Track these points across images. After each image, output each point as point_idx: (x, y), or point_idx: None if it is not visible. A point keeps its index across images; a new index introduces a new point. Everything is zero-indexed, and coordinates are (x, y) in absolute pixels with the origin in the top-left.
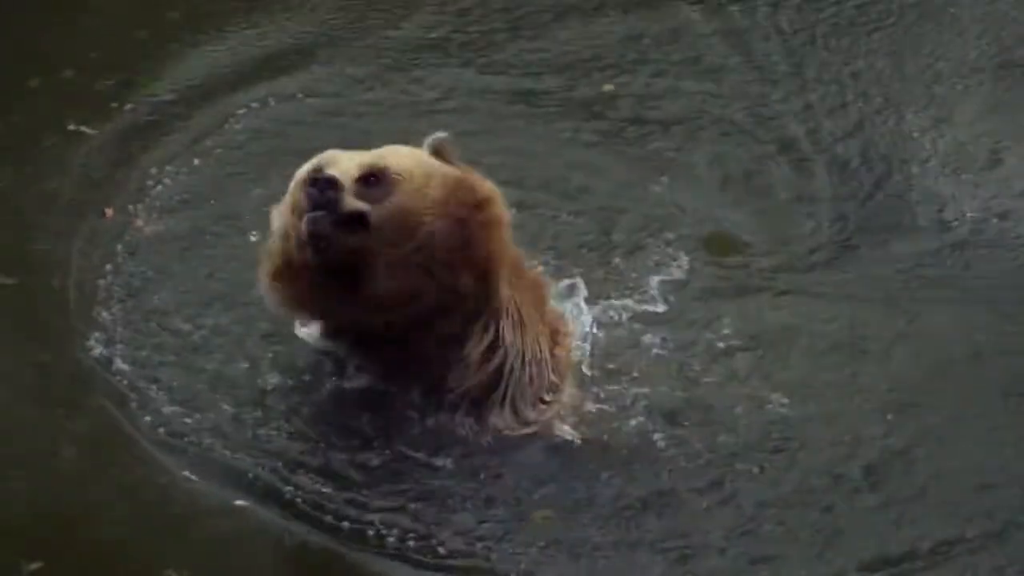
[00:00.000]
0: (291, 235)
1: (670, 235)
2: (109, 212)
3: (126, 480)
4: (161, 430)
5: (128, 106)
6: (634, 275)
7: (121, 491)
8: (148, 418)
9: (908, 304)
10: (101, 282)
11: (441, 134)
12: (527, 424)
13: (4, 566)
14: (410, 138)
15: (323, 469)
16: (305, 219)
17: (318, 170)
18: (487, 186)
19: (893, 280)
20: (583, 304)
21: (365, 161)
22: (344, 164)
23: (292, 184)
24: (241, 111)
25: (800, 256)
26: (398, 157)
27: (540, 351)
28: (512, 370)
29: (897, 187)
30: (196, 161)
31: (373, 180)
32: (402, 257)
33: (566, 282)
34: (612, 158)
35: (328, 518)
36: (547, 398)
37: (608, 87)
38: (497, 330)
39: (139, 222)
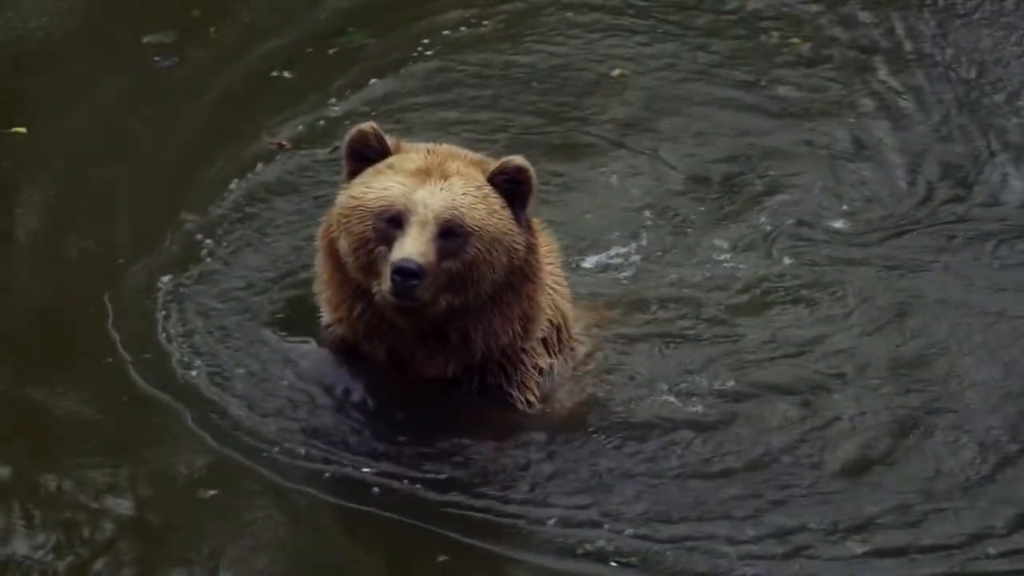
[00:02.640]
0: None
1: None
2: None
3: None
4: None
5: None
6: None
7: None
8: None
9: None
10: None
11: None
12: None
13: None
14: None
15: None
16: (388, 301)
17: (405, 259)
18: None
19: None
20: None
21: (443, 216)
22: (422, 212)
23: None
24: None
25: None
26: (473, 211)
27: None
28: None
29: None
30: None
31: (450, 234)
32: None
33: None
34: None
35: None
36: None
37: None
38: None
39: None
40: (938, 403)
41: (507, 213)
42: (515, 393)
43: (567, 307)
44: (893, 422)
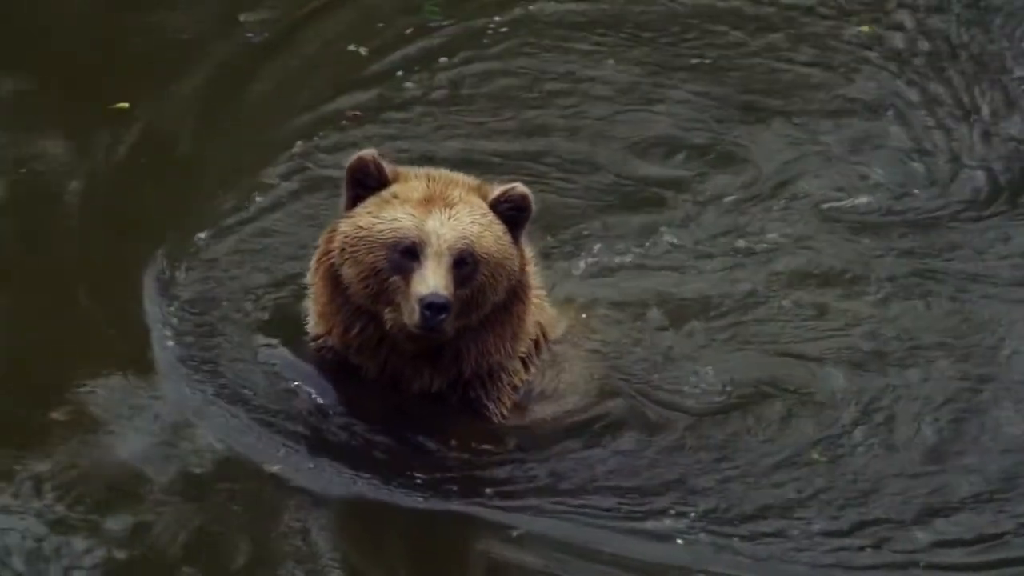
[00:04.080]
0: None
1: None
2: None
3: None
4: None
5: None
6: None
7: None
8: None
9: None
10: None
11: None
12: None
13: None
14: None
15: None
16: (411, 332)
17: (435, 294)
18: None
19: None
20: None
21: (457, 247)
22: (436, 244)
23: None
24: None
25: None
26: (482, 240)
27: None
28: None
29: None
30: None
31: (463, 264)
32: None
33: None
34: None
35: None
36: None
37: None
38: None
39: None
40: (990, 378)
41: (508, 238)
42: (491, 407)
43: (545, 319)
44: (950, 401)
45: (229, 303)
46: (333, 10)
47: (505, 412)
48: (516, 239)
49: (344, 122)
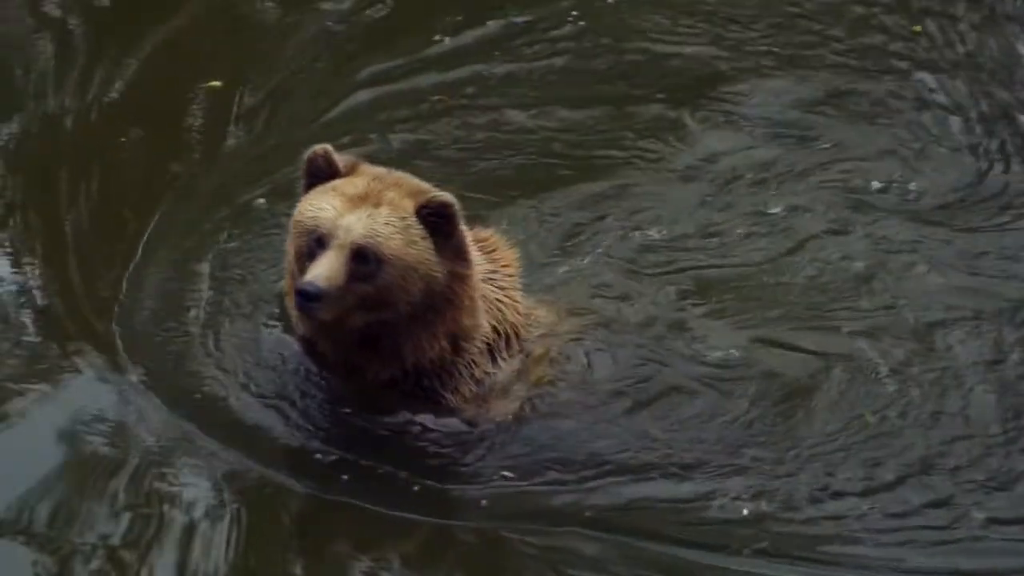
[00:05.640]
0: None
1: None
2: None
3: None
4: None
5: None
6: None
7: None
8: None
9: None
10: None
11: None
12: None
13: None
14: None
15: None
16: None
17: (308, 282)
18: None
19: None
20: None
21: (359, 242)
22: (343, 237)
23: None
24: None
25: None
26: (390, 241)
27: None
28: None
29: None
30: None
31: (363, 260)
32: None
33: None
34: None
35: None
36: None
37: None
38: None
39: None
40: None
41: (427, 244)
42: (448, 396)
43: (518, 319)
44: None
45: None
46: None
47: (463, 404)
48: (442, 246)
49: (436, 101)
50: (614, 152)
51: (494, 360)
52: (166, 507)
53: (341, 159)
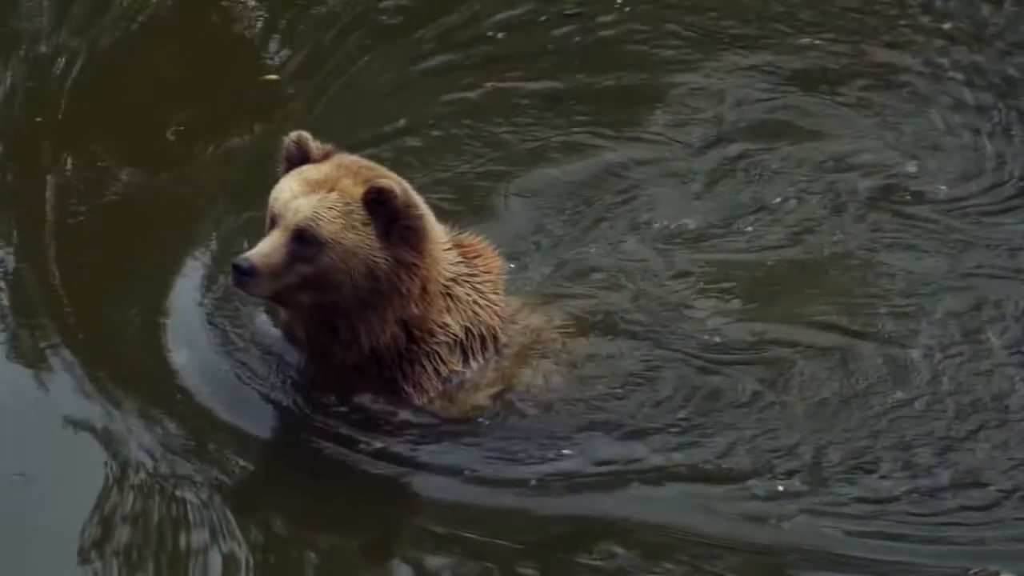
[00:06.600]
0: None
1: None
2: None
3: None
4: None
5: None
6: None
7: None
8: None
9: None
10: None
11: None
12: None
13: None
14: None
15: None
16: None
17: (242, 257)
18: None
19: None
20: None
21: (300, 224)
22: (289, 218)
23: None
24: None
25: None
26: (331, 225)
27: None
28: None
29: None
30: None
31: (304, 241)
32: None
33: None
34: None
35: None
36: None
37: None
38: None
39: None
40: None
41: (369, 230)
42: (408, 390)
43: (496, 322)
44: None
45: None
46: None
47: (426, 400)
48: (388, 233)
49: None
50: (598, 141)
51: (466, 359)
52: (153, 503)
53: (317, 147)
